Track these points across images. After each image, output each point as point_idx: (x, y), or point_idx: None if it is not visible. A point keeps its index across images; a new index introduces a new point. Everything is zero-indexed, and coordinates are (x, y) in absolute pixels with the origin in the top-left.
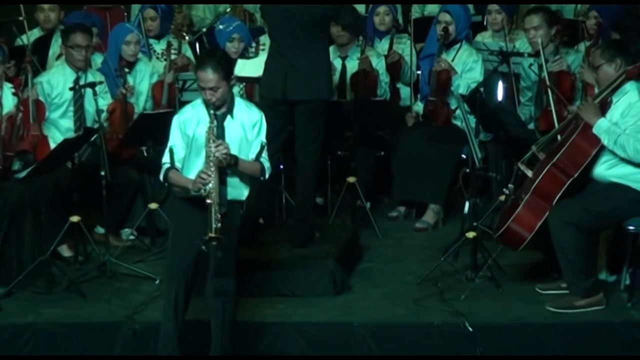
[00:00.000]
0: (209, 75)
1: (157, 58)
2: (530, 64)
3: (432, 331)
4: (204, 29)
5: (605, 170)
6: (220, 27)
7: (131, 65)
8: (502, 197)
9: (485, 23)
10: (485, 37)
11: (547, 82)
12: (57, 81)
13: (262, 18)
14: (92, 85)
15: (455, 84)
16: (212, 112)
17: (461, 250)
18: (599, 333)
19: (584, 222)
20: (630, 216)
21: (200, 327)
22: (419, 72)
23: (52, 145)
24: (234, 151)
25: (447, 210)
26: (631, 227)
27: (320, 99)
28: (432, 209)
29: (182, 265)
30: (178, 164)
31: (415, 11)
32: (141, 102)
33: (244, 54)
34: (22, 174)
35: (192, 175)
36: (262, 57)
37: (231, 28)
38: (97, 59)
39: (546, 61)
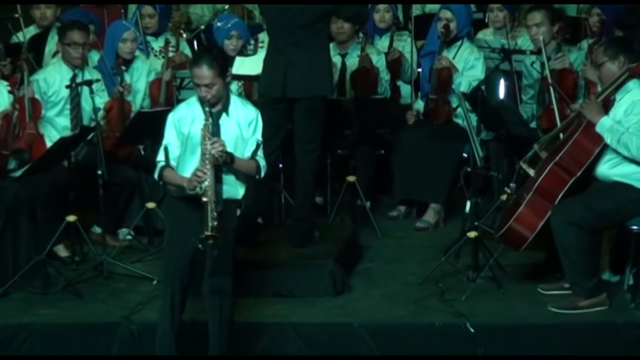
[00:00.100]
0: (204, 72)
1: (155, 55)
2: (533, 62)
3: (433, 332)
4: (202, 26)
5: (608, 169)
6: (219, 24)
7: (128, 63)
8: (504, 197)
9: (486, 20)
10: (486, 35)
11: (550, 80)
12: (53, 79)
13: (260, 15)
14: (89, 83)
15: (456, 82)
16: (207, 109)
17: (462, 250)
18: (602, 334)
19: (587, 222)
20: (634, 215)
21: (198, 328)
22: (420, 69)
23: (49, 144)
24: (229, 149)
25: (448, 209)
26: (634, 227)
27: (321, 95)
28: (433, 209)
29: (178, 265)
30: (173, 162)
31: (416, 8)
32: (138, 100)
33: (243, 52)
34: (18, 173)
35: (187, 173)
36: (261, 54)
37: (229, 25)
38: (94, 57)
39: (548, 59)
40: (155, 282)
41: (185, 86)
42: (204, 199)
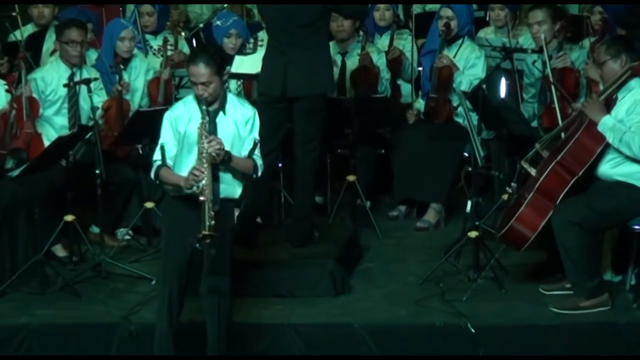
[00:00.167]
0: (201, 70)
1: (154, 54)
2: (534, 61)
3: (434, 332)
4: (201, 25)
5: (610, 168)
6: (218, 22)
7: (126, 61)
8: (505, 196)
9: (487, 19)
10: (487, 33)
11: (551, 79)
12: (51, 78)
13: (259, 14)
14: (87, 81)
15: (457, 81)
16: (204, 108)
17: (463, 250)
18: (604, 334)
19: (588, 221)
20: (636, 215)
21: (196, 328)
22: (420, 68)
23: (46, 143)
24: (226, 148)
25: (448, 209)
26: (637, 227)
27: (322, 93)
28: (434, 208)
29: (175, 265)
30: (169, 162)
31: (417, 6)
32: (136, 99)
33: (242, 50)
34: (16, 173)
35: (184, 172)
36: (260, 53)
37: (228, 24)
38: (92, 55)
39: (550, 57)
40: (154, 282)
41: (184, 85)
42: (202, 198)
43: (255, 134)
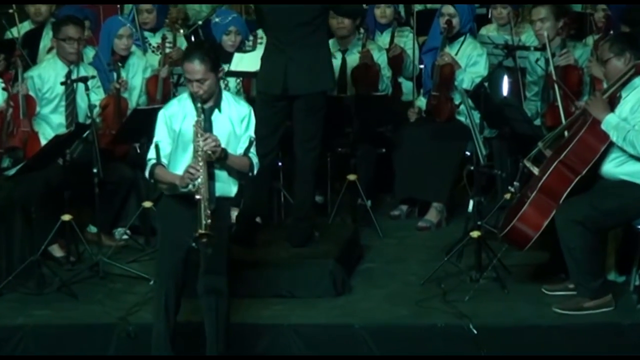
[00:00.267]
0: (196, 67)
1: (153, 52)
2: (537, 59)
3: (435, 333)
4: (200, 22)
5: (614, 167)
6: (217, 19)
7: (124, 59)
8: (508, 196)
9: (489, 16)
10: (490, 30)
11: (554, 77)
12: (48, 75)
13: (256, 14)
14: (84, 79)
15: (459, 79)
16: (199, 105)
17: (465, 250)
18: (608, 335)
19: (592, 221)
20: None
21: (193, 328)
22: (422, 66)
23: (43, 142)
24: (222, 146)
25: (450, 208)
26: None
27: (323, 90)
28: (435, 208)
29: (171, 265)
30: (164, 160)
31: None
32: (134, 97)
33: (241, 48)
34: (12, 171)
35: (179, 171)
36: (260, 51)
37: (228, 21)
38: (89, 53)
39: (553, 55)
40: (152, 282)
41: (183, 83)
42: (197, 197)
43: (251, 132)
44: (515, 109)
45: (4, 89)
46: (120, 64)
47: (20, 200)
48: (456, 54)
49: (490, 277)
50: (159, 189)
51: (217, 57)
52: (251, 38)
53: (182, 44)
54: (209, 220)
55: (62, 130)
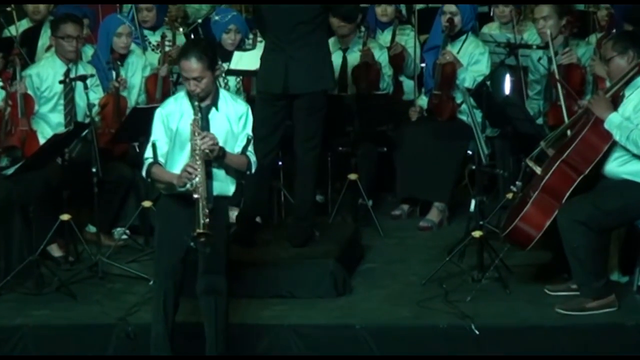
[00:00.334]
0: (193, 65)
1: (153, 50)
2: (539, 57)
3: (437, 334)
4: (199, 20)
5: (617, 166)
6: (216, 18)
7: (123, 57)
8: (510, 195)
9: (491, 14)
10: (492, 29)
11: (557, 76)
12: (46, 74)
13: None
14: (83, 78)
15: (460, 77)
16: (196, 104)
17: (467, 250)
18: (611, 336)
19: (595, 221)
20: None
21: (192, 329)
22: (423, 64)
23: (42, 141)
24: (219, 144)
25: (452, 208)
26: None
27: (324, 90)
28: (437, 207)
29: (169, 265)
30: (161, 159)
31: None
32: (133, 96)
33: (241, 46)
34: (10, 171)
35: (176, 170)
36: (260, 49)
37: (227, 19)
38: (88, 51)
39: (555, 53)
40: (151, 282)
41: (182, 82)
42: (195, 196)
43: (249, 130)
44: (517, 108)
45: (2, 87)
46: (119, 63)
47: (19, 200)
48: (458, 53)
49: (492, 277)
50: (156, 189)
51: (214, 55)
52: (251, 36)
53: (182, 42)
54: (207, 220)
55: (61, 129)
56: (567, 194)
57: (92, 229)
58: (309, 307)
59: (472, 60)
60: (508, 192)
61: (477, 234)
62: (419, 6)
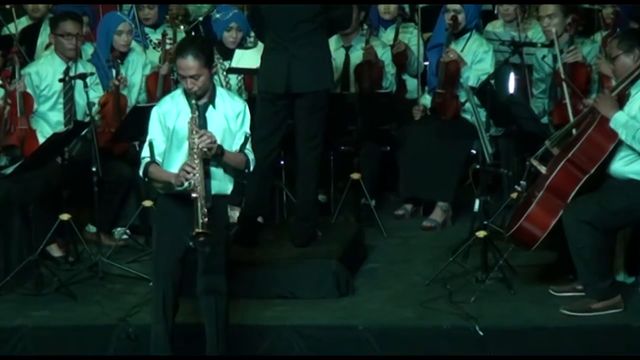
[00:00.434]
0: (190, 63)
1: (154, 48)
2: (544, 56)
3: (441, 335)
4: (200, 18)
5: (623, 166)
6: (217, 15)
7: (123, 55)
8: (514, 195)
9: (496, 12)
10: (496, 27)
11: (562, 74)
12: (46, 72)
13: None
14: (83, 76)
15: (464, 76)
16: (193, 102)
17: (471, 250)
18: (616, 337)
19: (600, 221)
20: None
21: (192, 330)
22: (427, 63)
23: (41, 140)
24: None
25: (456, 208)
26: None
27: (326, 89)
28: (441, 207)
29: (168, 265)
30: (158, 158)
31: None
32: (134, 95)
33: (242, 44)
34: (9, 170)
35: (173, 169)
36: (261, 47)
37: (228, 17)
38: (88, 50)
39: (561, 52)
40: (152, 283)
41: (179, 80)
42: (194, 195)
43: (246, 128)
44: (522, 107)
45: (1, 86)
46: (119, 61)
47: (18, 200)
48: (462, 51)
49: (496, 277)
50: (153, 188)
51: (210, 52)
52: (252, 34)
53: None
54: (206, 219)
55: (61, 128)
56: (573, 193)
57: (92, 228)
58: (311, 307)
59: (476, 59)
60: (512, 191)
61: (481, 234)
62: (421, 5)
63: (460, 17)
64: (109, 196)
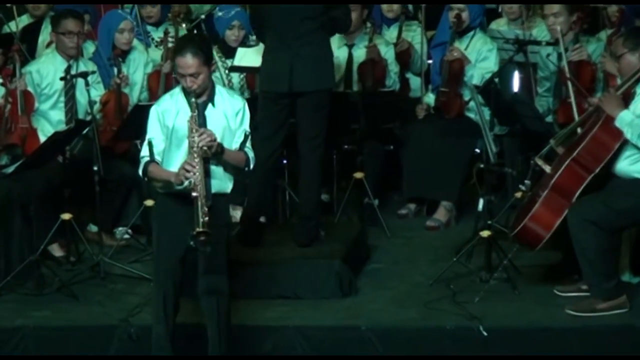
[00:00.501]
0: (189, 61)
1: (156, 46)
2: (549, 54)
3: (444, 335)
4: (203, 16)
5: (628, 165)
6: (220, 14)
7: (125, 54)
8: (519, 194)
9: (500, 10)
10: (500, 25)
11: (567, 73)
12: (47, 70)
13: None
14: (84, 75)
15: (468, 74)
16: (192, 100)
17: (475, 250)
18: (622, 337)
19: (605, 220)
20: None
21: (193, 330)
22: (430, 61)
23: (42, 139)
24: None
25: (460, 207)
26: None
27: (328, 87)
28: (444, 207)
29: (168, 265)
30: (158, 157)
31: None
32: (135, 93)
33: (245, 42)
34: (10, 169)
35: (173, 168)
36: (263, 45)
37: (231, 15)
38: (89, 48)
39: (565, 50)
40: (152, 283)
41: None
42: (194, 194)
43: (246, 126)
44: (526, 106)
45: (2, 84)
46: (121, 59)
47: (19, 199)
48: (466, 49)
49: (500, 277)
50: (153, 188)
51: (209, 50)
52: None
53: None
54: (207, 218)
55: (62, 127)
56: (577, 193)
57: (93, 228)
58: (314, 308)
59: (480, 57)
60: (517, 191)
61: (485, 233)
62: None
63: (464, 15)
64: (110, 195)
